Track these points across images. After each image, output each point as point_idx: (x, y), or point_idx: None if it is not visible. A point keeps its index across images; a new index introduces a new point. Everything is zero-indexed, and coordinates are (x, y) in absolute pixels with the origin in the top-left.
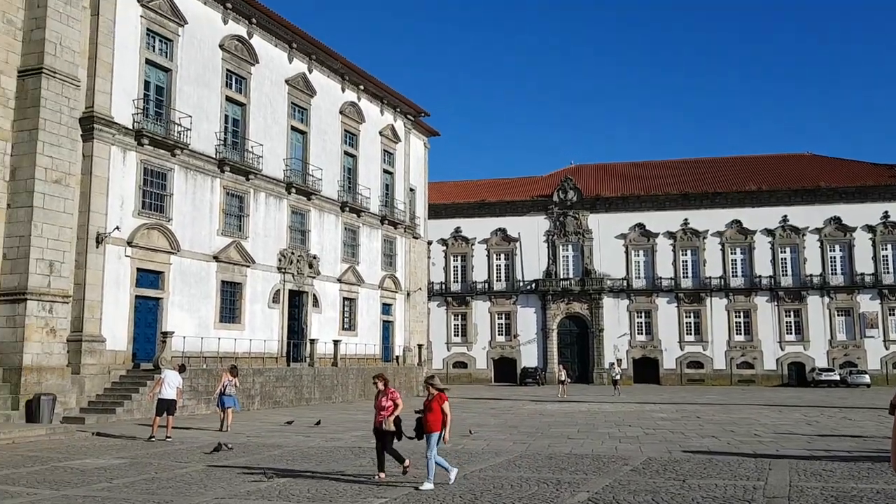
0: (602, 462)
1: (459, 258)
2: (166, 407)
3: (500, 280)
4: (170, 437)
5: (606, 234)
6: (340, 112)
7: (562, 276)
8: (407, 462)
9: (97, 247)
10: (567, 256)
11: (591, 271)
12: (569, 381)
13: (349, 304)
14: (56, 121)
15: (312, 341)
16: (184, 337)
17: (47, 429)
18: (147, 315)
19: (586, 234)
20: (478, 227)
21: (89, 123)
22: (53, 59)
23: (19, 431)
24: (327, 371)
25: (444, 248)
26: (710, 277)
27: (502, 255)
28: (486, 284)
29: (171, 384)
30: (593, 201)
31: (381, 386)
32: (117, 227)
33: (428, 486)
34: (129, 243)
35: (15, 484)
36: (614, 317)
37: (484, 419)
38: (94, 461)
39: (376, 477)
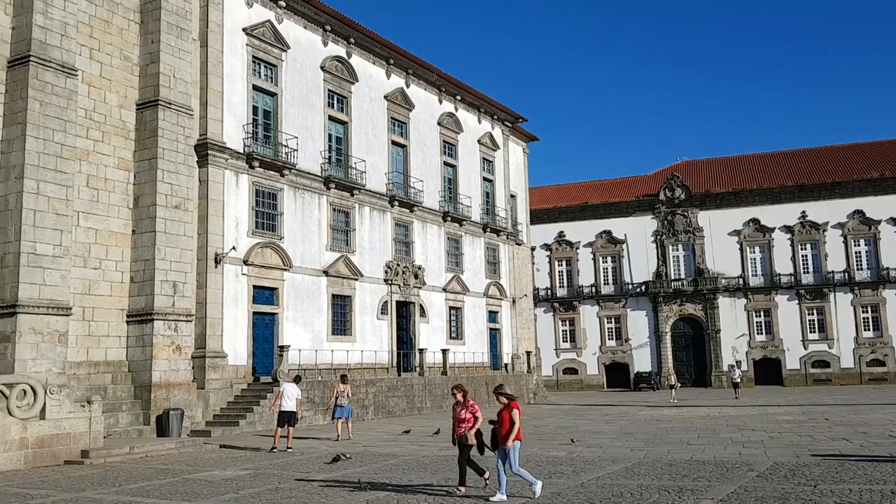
0: (725, 468)
1: (564, 263)
2: (287, 418)
3: (608, 283)
4: (291, 448)
5: (719, 231)
6: (438, 123)
7: (673, 277)
8: (487, 475)
9: (216, 267)
10: (677, 256)
11: (704, 271)
12: (679, 385)
13: (455, 313)
14: (173, 149)
15: (421, 351)
16: (299, 350)
17: (177, 442)
18: (264, 330)
19: (697, 232)
20: (582, 231)
21: (203, 150)
22: (168, 91)
23: (151, 445)
24: (437, 380)
25: (548, 253)
26: (832, 272)
27: (609, 258)
28: (594, 288)
29: (290, 396)
30: (703, 198)
31: (459, 397)
32: (234, 247)
33: (500, 497)
34: (245, 262)
35: (149, 496)
36: (731, 317)
37: (598, 426)
38: (221, 472)
39: (456, 490)
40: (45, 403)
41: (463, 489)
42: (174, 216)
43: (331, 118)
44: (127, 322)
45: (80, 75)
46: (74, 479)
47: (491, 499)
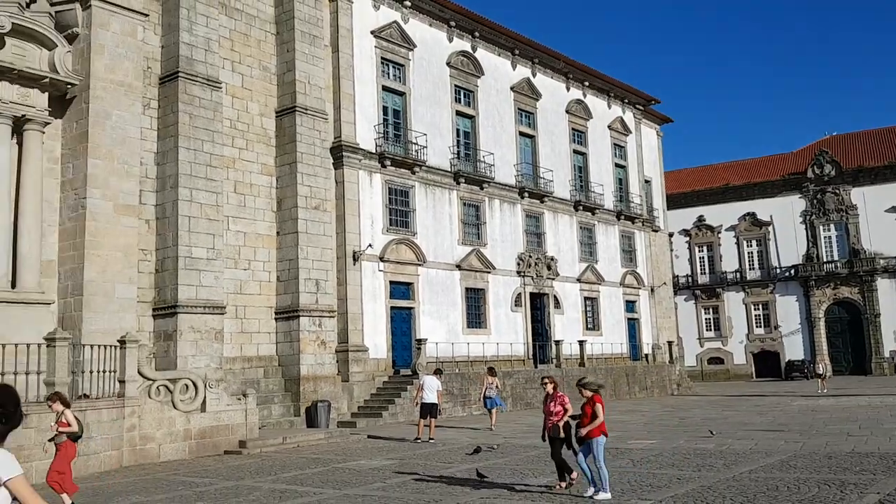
0: (892, 461)
1: (705, 248)
2: (429, 410)
3: (753, 268)
4: (433, 439)
5: (875, 208)
6: (567, 111)
7: (825, 259)
8: (574, 474)
9: (354, 264)
10: (829, 237)
11: (860, 251)
12: (828, 374)
13: (591, 304)
14: (311, 153)
15: (557, 342)
16: (436, 343)
17: (325, 433)
18: (402, 324)
19: (850, 210)
20: (723, 214)
21: (338, 152)
22: (304, 98)
23: (302, 436)
24: (575, 372)
25: (687, 238)
26: None
27: (753, 242)
28: (738, 274)
29: (430, 388)
30: (855, 173)
31: (549, 389)
32: (370, 245)
33: (604, 496)
34: (381, 259)
35: (303, 484)
36: (891, 300)
37: (748, 417)
38: (367, 462)
39: (556, 487)
40: (205, 397)
41: (563, 484)
42: (314, 217)
43: (458, 113)
44: (275, 319)
45: (223, 87)
46: (234, 468)
47: (596, 497)
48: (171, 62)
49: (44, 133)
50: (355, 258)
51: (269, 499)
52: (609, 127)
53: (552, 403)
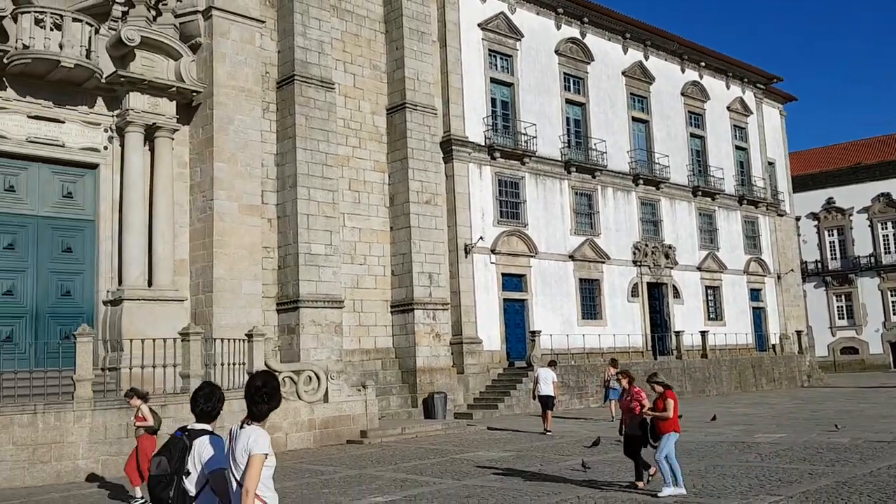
0: None
1: (835, 232)
2: (545, 402)
3: (889, 252)
4: (550, 431)
5: None
6: (682, 94)
7: None
8: (653, 470)
9: (466, 257)
10: None
11: None
12: None
13: (712, 293)
14: (421, 148)
15: (677, 333)
16: (550, 335)
17: (442, 424)
18: (515, 316)
19: None
20: (854, 195)
21: (448, 146)
22: (413, 94)
23: (420, 426)
24: (697, 363)
25: (816, 222)
26: None
27: (889, 224)
28: (872, 258)
29: (545, 380)
30: None
31: (625, 384)
32: (481, 238)
33: (668, 490)
34: (493, 251)
35: (422, 474)
36: None
37: (887, 410)
38: (486, 453)
39: (638, 485)
40: (327, 388)
41: (641, 484)
42: (426, 211)
43: (567, 101)
44: (391, 312)
45: (337, 88)
46: (356, 457)
47: (659, 494)
48: (287, 66)
49: (173, 139)
50: (467, 251)
51: (390, 487)
52: (728, 108)
53: (627, 398)
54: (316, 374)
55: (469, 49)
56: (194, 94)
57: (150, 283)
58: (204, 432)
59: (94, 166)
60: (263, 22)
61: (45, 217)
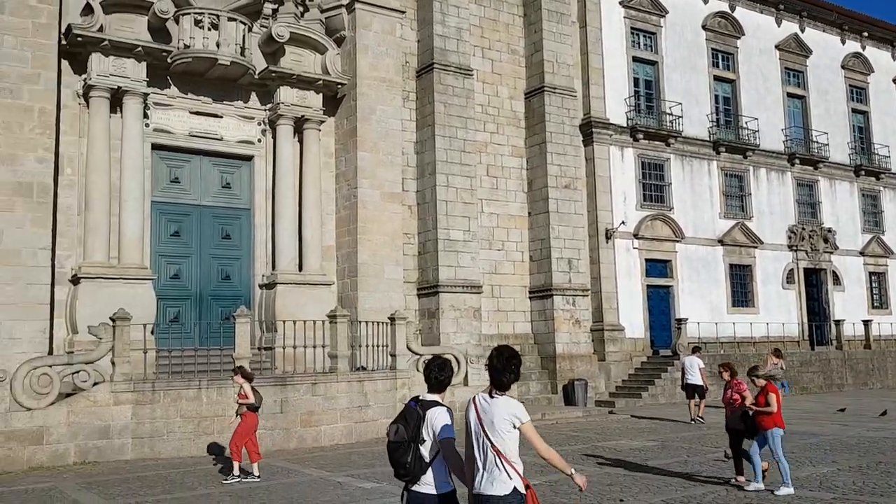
0: None
1: None
2: (695, 390)
3: None
4: (702, 419)
5: None
6: (842, 66)
7: None
8: (765, 465)
9: (607, 242)
10: None
11: None
12: None
13: (877, 279)
14: (560, 132)
15: (837, 322)
16: (697, 323)
17: (583, 411)
18: (659, 303)
19: None
20: None
21: (588, 129)
22: (552, 77)
23: (560, 413)
24: (859, 354)
25: None
26: None
27: None
28: None
29: (692, 369)
30: None
31: (726, 377)
32: (623, 222)
33: (786, 490)
34: (636, 235)
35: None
36: None
37: None
38: (628, 442)
39: (733, 480)
40: (466, 372)
41: (742, 478)
42: (565, 196)
43: (716, 78)
44: (529, 298)
45: (475, 74)
46: None
47: (777, 493)
48: (427, 55)
49: (320, 131)
50: (608, 236)
51: (529, 472)
52: (895, 81)
53: (729, 391)
54: (456, 357)
55: (610, 28)
56: (339, 86)
57: (300, 268)
58: (435, 403)
59: (249, 158)
60: (404, 12)
61: (206, 206)
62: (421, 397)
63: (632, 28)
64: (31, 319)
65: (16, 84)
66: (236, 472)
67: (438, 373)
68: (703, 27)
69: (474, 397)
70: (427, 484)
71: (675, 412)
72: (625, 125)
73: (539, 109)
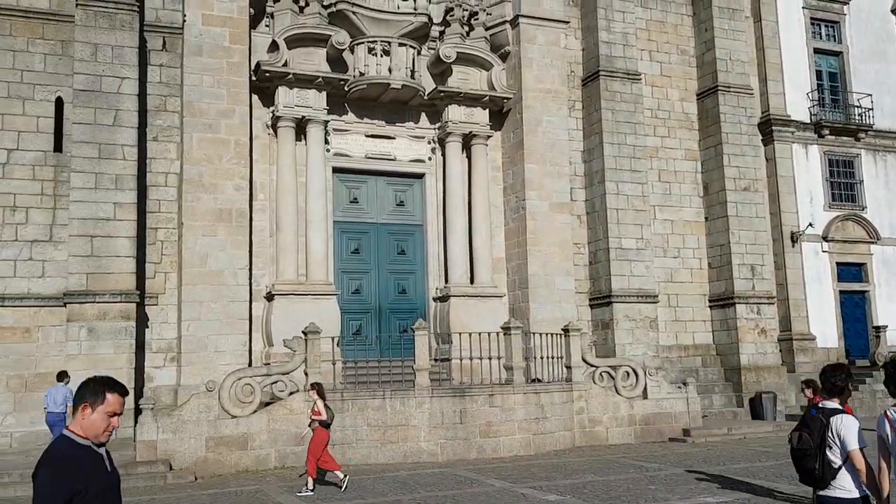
0: None
1: None
2: None
3: None
4: None
5: None
6: None
7: None
8: None
9: (793, 246)
10: None
11: None
12: None
13: None
14: (736, 132)
15: None
16: None
17: (773, 425)
18: (854, 310)
19: None
20: None
21: (767, 127)
22: (726, 76)
23: (748, 427)
24: None
25: None
26: None
27: None
28: None
29: None
30: None
31: (808, 394)
32: (810, 224)
33: None
34: (825, 238)
35: (755, 476)
36: None
37: None
38: None
39: None
40: (645, 384)
41: None
42: (744, 199)
43: None
44: (709, 307)
45: (642, 78)
46: (680, 455)
47: None
48: (592, 62)
49: (487, 145)
50: (793, 239)
51: (720, 488)
52: None
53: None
54: (633, 369)
55: (787, 20)
56: (505, 100)
57: (472, 281)
58: (837, 410)
59: (420, 175)
60: (568, 23)
61: (382, 224)
62: (821, 405)
63: (812, 18)
64: (233, 334)
65: (214, 120)
66: (310, 486)
67: (835, 377)
68: (893, 11)
69: (885, 411)
70: (839, 488)
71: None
72: (808, 121)
73: (713, 110)
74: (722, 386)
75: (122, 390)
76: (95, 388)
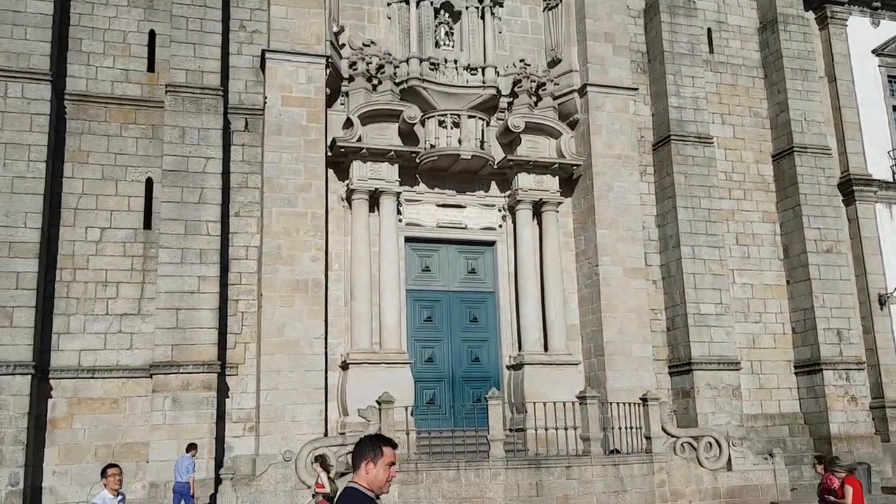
0: None
1: None
2: None
3: None
4: None
5: None
6: None
7: None
8: None
9: (881, 308)
10: None
11: None
12: None
13: None
14: (815, 192)
15: None
16: None
17: (867, 498)
18: None
19: None
20: None
21: (847, 187)
22: (801, 136)
23: None
24: None
25: None
26: None
27: None
28: None
29: None
30: None
31: (819, 470)
32: None
33: None
34: None
35: None
36: None
37: None
38: None
39: None
40: (729, 455)
41: None
42: (826, 261)
43: None
44: (795, 373)
45: (715, 141)
46: None
47: None
48: (662, 127)
49: (557, 212)
50: (881, 302)
51: None
52: None
53: (821, 486)
54: (716, 439)
55: (863, 79)
56: (574, 167)
57: (545, 348)
58: None
59: (491, 243)
60: (636, 89)
61: (454, 291)
62: None
63: (889, 76)
64: (310, 403)
65: (292, 194)
66: None
67: None
68: None
69: None
70: None
71: None
72: (891, 180)
73: (790, 171)
74: (811, 457)
75: (393, 444)
76: (373, 445)
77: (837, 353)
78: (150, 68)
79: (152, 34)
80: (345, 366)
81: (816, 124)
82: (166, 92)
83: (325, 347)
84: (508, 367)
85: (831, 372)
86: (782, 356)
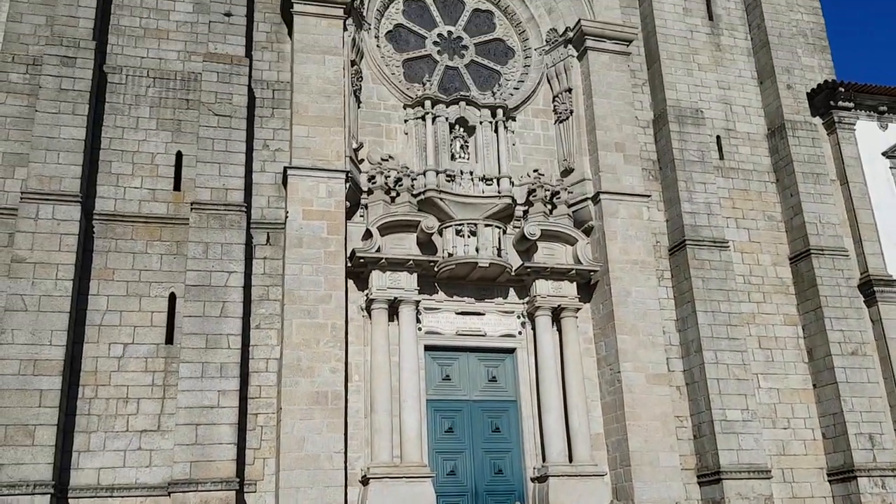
0: None
1: None
2: None
3: None
4: None
5: None
6: None
7: None
8: None
9: None
10: None
11: None
12: None
13: None
14: (836, 294)
15: None
16: None
17: None
18: None
19: None
20: None
21: (868, 288)
22: (818, 239)
23: None
24: None
25: None
26: None
27: None
28: None
29: None
30: None
31: None
32: None
33: None
34: None
35: None
36: None
37: None
38: None
39: None
40: None
41: None
42: (853, 363)
43: None
44: (828, 481)
45: (731, 245)
46: None
47: None
48: (677, 232)
49: (577, 318)
50: None
51: None
52: None
53: None
54: None
55: (875, 181)
56: (591, 273)
57: (570, 459)
58: None
59: (511, 350)
60: (649, 196)
61: (475, 401)
62: None
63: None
64: None
65: (312, 306)
66: None
67: None
68: None
69: None
70: None
71: None
72: None
73: (808, 274)
74: None
75: None
76: None
77: (871, 458)
78: (177, 187)
79: (179, 155)
80: (365, 481)
81: (832, 226)
82: (191, 209)
83: (345, 462)
84: (533, 480)
85: (866, 479)
86: (814, 463)
